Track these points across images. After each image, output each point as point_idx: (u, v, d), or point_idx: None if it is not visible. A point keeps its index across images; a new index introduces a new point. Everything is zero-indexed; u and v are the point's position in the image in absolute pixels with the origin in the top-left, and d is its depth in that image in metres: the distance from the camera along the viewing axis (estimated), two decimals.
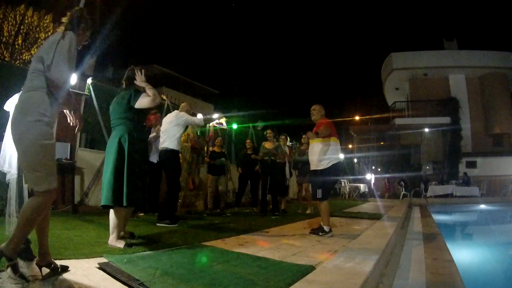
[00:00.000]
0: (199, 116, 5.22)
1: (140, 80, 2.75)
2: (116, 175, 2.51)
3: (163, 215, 3.95)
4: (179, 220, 4.09)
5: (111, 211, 2.57)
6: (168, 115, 4.37)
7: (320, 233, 3.53)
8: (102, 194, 2.55)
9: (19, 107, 1.69)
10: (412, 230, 4.83)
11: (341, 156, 3.85)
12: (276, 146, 5.70)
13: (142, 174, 2.67)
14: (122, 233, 2.71)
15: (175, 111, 4.39)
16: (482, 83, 16.88)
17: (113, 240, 2.53)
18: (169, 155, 4.07)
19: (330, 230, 3.54)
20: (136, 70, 2.78)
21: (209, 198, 6.01)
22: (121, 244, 2.48)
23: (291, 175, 6.66)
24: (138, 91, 2.69)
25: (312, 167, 3.78)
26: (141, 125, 2.85)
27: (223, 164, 5.91)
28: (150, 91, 2.66)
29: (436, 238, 4.05)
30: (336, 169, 3.66)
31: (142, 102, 2.62)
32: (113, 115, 2.75)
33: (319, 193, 3.62)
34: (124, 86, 2.83)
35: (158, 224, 3.86)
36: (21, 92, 1.76)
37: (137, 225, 3.75)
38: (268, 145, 5.74)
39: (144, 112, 2.80)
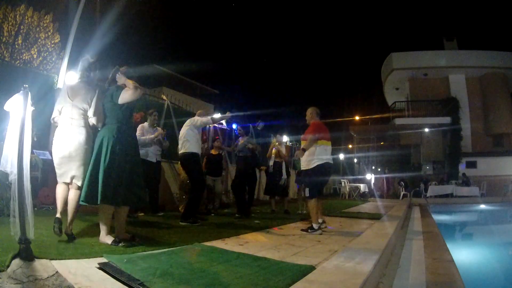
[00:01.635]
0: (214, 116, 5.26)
1: (120, 79, 2.78)
2: (92, 174, 2.57)
3: (185, 215, 4.11)
4: (197, 220, 4.19)
5: (99, 209, 2.65)
6: (187, 120, 4.48)
7: (309, 230, 3.69)
8: (84, 192, 2.63)
9: (82, 136, 2.70)
10: (412, 230, 4.83)
11: (330, 157, 3.92)
12: (244, 142, 5.47)
13: (125, 172, 2.64)
14: (114, 233, 2.71)
15: (194, 117, 4.56)
16: (482, 83, 16.88)
17: (102, 236, 2.62)
18: (188, 158, 4.22)
19: (319, 228, 3.70)
20: (118, 73, 2.82)
21: (204, 198, 6.01)
22: (109, 241, 2.55)
23: (289, 175, 6.59)
24: (119, 88, 2.74)
25: (302, 168, 4.02)
26: (129, 123, 2.84)
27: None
28: (130, 84, 2.70)
29: (436, 238, 4.05)
30: (323, 169, 3.81)
31: (124, 96, 2.67)
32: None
33: (306, 192, 3.84)
34: (108, 86, 2.89)
35: (181, 223, 4.01)
36: (72, 122, 2.70)
37: (137, 225, 3.75)
38: (241, 141, 5.57)
39: (130, 109, 2.82)
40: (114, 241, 2.54)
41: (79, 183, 2.65)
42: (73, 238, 2.60)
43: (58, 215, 2.63)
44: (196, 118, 4.43)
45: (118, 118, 2.70)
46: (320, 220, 3.79)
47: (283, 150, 6.27)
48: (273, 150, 6.16)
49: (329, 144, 3.93)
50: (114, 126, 2.67)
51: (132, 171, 2.70)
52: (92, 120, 2.77)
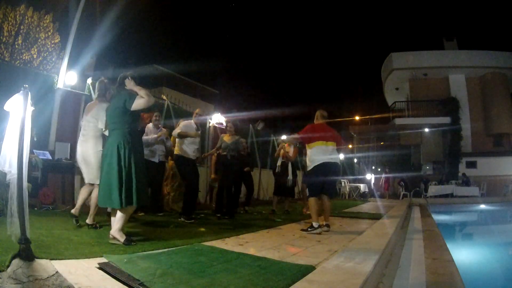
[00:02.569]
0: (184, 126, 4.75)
1: (130, 85, 2.83)
2: (121, 179, 2.62)
3: (184, 212, 4.36)
4: (191, 218, 4.32)
5: (121, 210, 2.68)
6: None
7: (308, 229, 3.76)
8: (104, 197, 2.67)
9: (92, 143, 3.30)
10: (412, 230, 4.83)
11: (330, 156, 3.91)
12: (235, 141, 5.05)
13: (143, 174, 2.78)
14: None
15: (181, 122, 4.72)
16: (482, 83, 16.87)
17: (115, 230, 2.63)
18: (176, 160, 4.57)
19: (319, 226, 3.74)
20: (127, 78, 2.86)
21: (214, 198, 6.01)
22: (122, 238, 2.59)
23: (295, 175, 6.43)
24: (133, 95, 2.78)
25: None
26: (137, 128, 2.95)
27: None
28: (142, 93, 2.77)
29: (436, 238, 4.04)
30: (321, 169, 3.85)
31: (138, 104, 2.73)
32: (109, 120, 2.87)
33: (307, 191, 4.14)
34: (116, 92, 2.95)
35: (179, 219, 4.28)
36: (84, 133, 3.36)
37: (137, 225, 3.75)
38: (227, 138, 5.06)
39: (138, 115, 2.89)
40: (127, 240, 2.57)
41: (97, 182, 3.13)
42: (95, 228, 3.22)
43: (74, 211, 3.35)
44: (180, 124, 4.57)
45: (128, 123, 2.77)
46: (323, 223, 3.84)
47: (291, 151, 6.07)
48: (281, 151, 6.07)
49: (329, 144, 3.94)
50: (126, 131, 2.73)
51: (144, 173, 2.82)
52: (105, 132, 3.24)
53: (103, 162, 2.76)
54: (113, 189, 2.61)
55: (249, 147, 6.62)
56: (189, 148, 4.47)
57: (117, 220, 2.68)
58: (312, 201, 3.84)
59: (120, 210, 2.68)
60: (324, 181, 3.88)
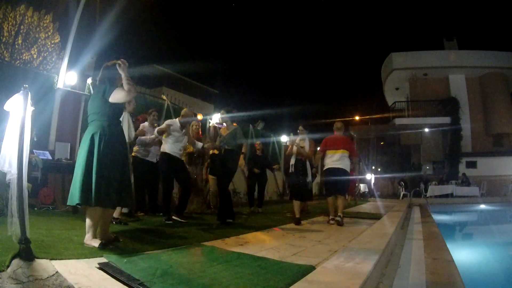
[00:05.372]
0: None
1: (120, 70, 2.60)
2: (86, 173, 2.40)
3: (163, 211, 4.29)
4: (170, 218, 4.21)
5: (87, 210, 2.50)
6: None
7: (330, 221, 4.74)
8: (70, 192, 2.44)
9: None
10: (412, 230, 4.83)
11: (335, 162, 4.71)
12: (232, 131, 4.49)
13: (117, 172, 2.52)
14: (98, 234, 2.55)
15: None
16: (482, 83, 16.86)
17: (87, 239, 2.46)
18: (160, 157, 4.48)
19: (331, 219, 4.69)
20: (107, 68, 2.67)
21: (211, 198, 6.01)
22: (96, 243, 2.40)
23: (314, 176, 5.70)
24: (113, 85, 2.59)
25: None
26: (118, 120, 2.71)
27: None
28: (125, 84, 2.54)
29: (436, 238, 4.05)
30: (326, 173, 4.88)
31: (117, 96, 2.52)
32: (89, 111, 2.65)
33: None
34: (98, 82, 2.74)
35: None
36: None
37: (137, 225, 3.75)
38: (223, 131, 4.64)
39: (120, 107, 2.69)
40: (101, 244, 2.39)
41: None
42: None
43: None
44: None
45: (108, 116, 2.56)
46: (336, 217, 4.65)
47: (307, 147, 4.89)
48: (294, 148, 4.89)
49: (338, 152, 4.72)
50: (105, 123, 2.53)
51: (121, 172, 2.57)
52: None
53: (77, 156, 2.54)
54: (76, 184, 2.39)
55: (264, 148, 6.60)
56: (175, 147, 4.34)
57: (86, 226, 2.47)
58: (328, 199, 4.83)
59: (88, 212, 2.47)
60: (335, 182, 4.66)
